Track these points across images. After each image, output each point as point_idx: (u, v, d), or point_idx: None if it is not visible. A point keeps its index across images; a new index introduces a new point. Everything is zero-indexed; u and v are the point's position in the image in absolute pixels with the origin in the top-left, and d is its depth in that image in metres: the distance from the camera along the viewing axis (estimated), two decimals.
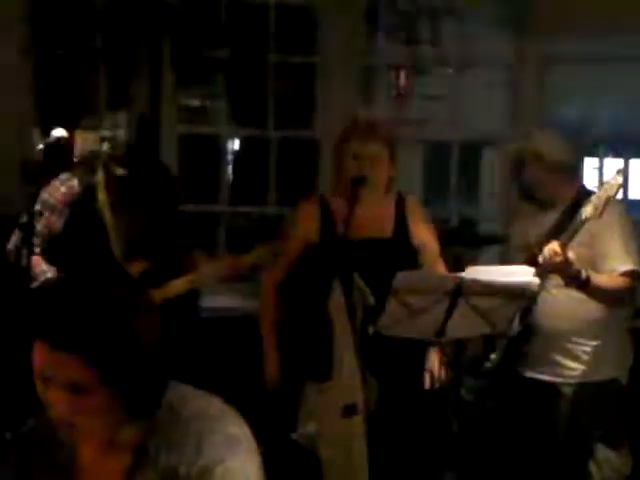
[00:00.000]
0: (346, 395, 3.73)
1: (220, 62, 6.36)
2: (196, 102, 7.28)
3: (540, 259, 3.78)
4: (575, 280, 3.85)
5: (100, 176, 4.30)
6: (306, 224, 3.91)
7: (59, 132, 4.25)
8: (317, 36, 6.49)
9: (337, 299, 3.78)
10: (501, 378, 4.14)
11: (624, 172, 3.86)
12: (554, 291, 4.00)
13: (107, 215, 4.29)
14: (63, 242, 4.27)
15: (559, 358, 4.06)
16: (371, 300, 3.61)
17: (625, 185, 6.48)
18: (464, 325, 3.55)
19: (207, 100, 6.88)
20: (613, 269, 3.95)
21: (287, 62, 6.62)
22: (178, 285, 4.18)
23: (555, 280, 3.95)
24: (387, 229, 3.92)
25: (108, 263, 4.17)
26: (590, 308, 4.02)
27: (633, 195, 7.41)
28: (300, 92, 6.75)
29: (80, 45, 5.53)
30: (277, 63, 6.52)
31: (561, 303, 4.02)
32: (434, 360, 3.85)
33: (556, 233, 3.93)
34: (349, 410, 3.69)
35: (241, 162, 6.47)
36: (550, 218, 4.10)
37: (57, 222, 4.31)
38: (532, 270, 3.66)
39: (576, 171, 4.32)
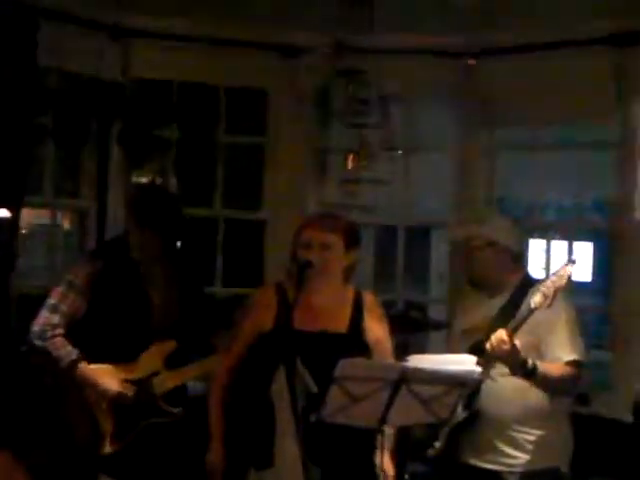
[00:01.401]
0: None
1: (169, 141, 6.38)
2: (145, 180, 7.26)
3: (487, 347, 3.78)
4: (521, 369, 3.85)
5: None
6: (263, 311, 3.89)
7: (1, 212, 4.23)
8: (267, 118, 6.54)
9: (280, 386, 3.74)
10: (445, 465, 4.11)
11: (575, 262, 3.88)
12: (499, 379, 4.00)
13: (150, 283, 4.40)
14: (89, 324, 4.33)
15: (503, 446, 4.05)
16: (314, 387, 3.58)
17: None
18: (406, 413, 3.52)
19: (157, 177, 6.87)
20: (558, 358, 3.97)
21: (236, 143, 6.66)
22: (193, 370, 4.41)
23: (500, 368, 3.95)
24: (342, 324, 3.91)
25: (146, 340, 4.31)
26: (534, 396, 4.02)
27: (577, 278, 7.49)
28: (249, 173, 6.78)
29: (28, 122, 5.51)
30: (227, 144, 6.56)
31: (506, 391, 4.02)
32: (382, 456, 3.82)
33: (502, 320, 3.94)
34: None
35: (188, 241, 6.44)
36: (494, 304, 4.11)
37: (82, 304, 4.36)
38: (474, 359, 3.66)
39: (522, 257, 4.35)
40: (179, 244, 6.08)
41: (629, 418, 5.06)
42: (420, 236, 7.04)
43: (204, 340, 4.50)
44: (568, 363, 3.97)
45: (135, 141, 6.10)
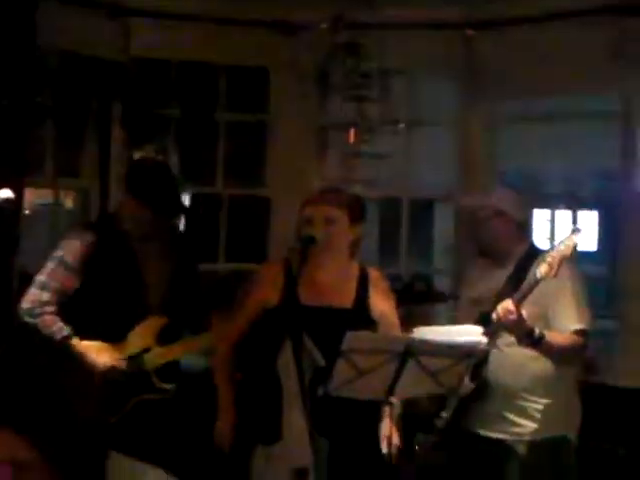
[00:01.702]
0: (295, 458, 3.68)
1: (171, 120, 6.37)
2: (151, 157, 7.25)
3: (494, 316, 3.78)
4: (528, 338, 3.85)
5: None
6: (268, 287, 3.88)
7: (5, 193, 4.21)
8: (268, 95, 6.53)
9: (286, 360, 3.75)
10: (453, 435, 4.12)
11: (580, 231, 3.88)
12: (506, 349, 4.00)
13: (145, 262, 4.34)
14: (80, 300, 4.27)
15: (511, 416, 4.05)
16: (321, 361, 3.58)
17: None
18: (413, 385, 3.52)
19: (159, 157, 6.87)
20: (565, 328, 3.97)
21: (238, 121, 6.65)
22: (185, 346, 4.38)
23: (507, 338, 3.96)
24: (347, 299, 3.90)
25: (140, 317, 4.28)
26: (541, 366, 4.03)
27: (582, 247, 7.48)
28: (251, 150, 6.78)
29: (28, 101, 5.51)
30: (228, 122, 6.55)
31: (513, 361, 4.02)
32: (389, 426, 3.82)
33: (509, 290, 3.94)
34: (299, 474, 3.64)
35: (192, 220, 6.45)
36: (502, 274, 4.11)
37: (72, 280, 4.28)
38: (481, 329, 3.66)
39: (528, 228, 4.35)
40: (182, 222, 6.11)
41: (637, 386, 5.06)
42: (423, 209, 7.03)
43: (197, 318, 4.47)
44: (575, 332, 3.96)
45: (136, 120, 6.09)
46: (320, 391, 3.48)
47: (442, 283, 6.60)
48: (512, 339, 3.94)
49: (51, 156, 6.05)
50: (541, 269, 3.77)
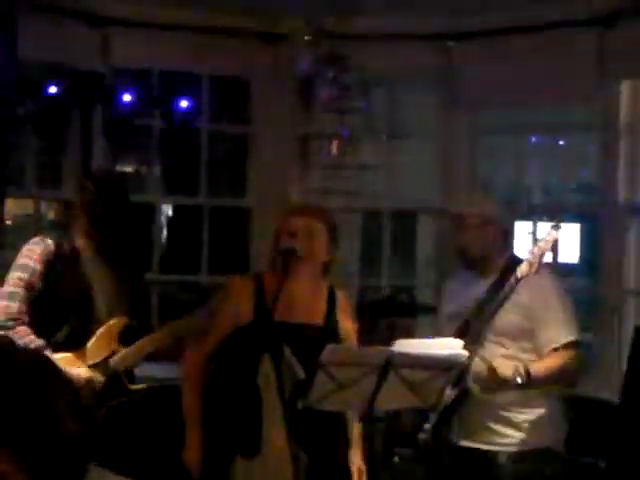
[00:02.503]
0: (275, 471, 3.67)
1: (152, 131, 6.36)
2: (130, 169, 7.27)
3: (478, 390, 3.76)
4: (517, 387, 3.83)
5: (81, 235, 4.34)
6: (239, 302, 3.86)
7: None
8: (250, 105, 6.53)
9: (266, 373, 3.73)
10: (436, 447, 4.10)
11: (559, 227, 3.89)
12: (490, 360, 3.99)
13: (92, 271, 4.33)
14: (44, 304, 4.25)
15: (494, 427, 4.03)
16: (301, 374, 3.57)
17: (555, 249, 6.58)
18: (393, 398, 3.51)
19: (142, 167, 6.87)
20: (554, 340, 3.95)
21: (220, 131, 6.64)
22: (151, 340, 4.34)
23: (490, 349, 3.95)
24: (318, 316, 3.90)
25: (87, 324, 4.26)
26: None
27: (563, 259, 7.50)
28: (233, 161, 6.78)
29: (8, 110, 5.49)
30: (210, 132, 6.54)
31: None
32: (357, 456, 3.85)
33: (488, 302, 3.95)
34: None
35: (174, 230, 6.44)
36: (483, 285, 4.10)
37: (38, 283, 4.26)
38: (461, 342, 3.65)
39: (510, 237, 4.35)
40: (164, 233, 6.09)
41: (616, 399, 5.06)
42: (406, 221, 7.02)
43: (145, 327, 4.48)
44: (566, 346, 3.95)
45: (117, 131, 6.07)
46: (300, 404, 3.47)
47: (425, 295, 6.59)
48: (496, 349, 3.95)
49: (32, 167, 6.03)
50: (522, 268, 3.79)
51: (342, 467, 3.84)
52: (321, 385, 3.39)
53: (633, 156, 5.79)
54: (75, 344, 4.28)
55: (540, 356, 3.98)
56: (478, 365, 3.82)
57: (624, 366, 5.06)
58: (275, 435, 3.66)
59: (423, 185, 6.70)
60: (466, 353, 3.63)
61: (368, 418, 3.63)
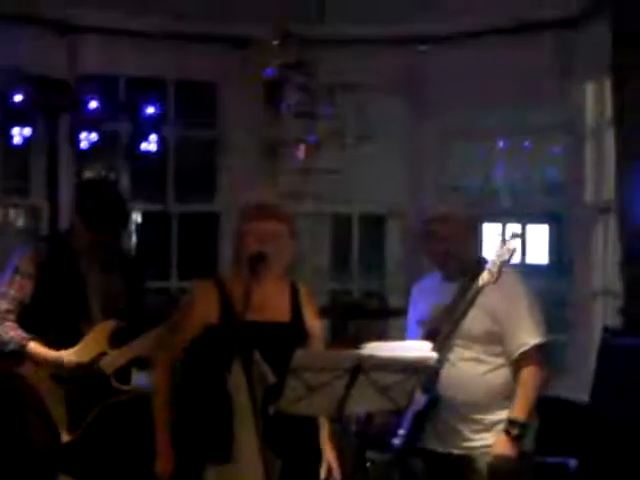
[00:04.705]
0: (248, 477, 3.66)
1: (119, 137, 6.35)
2: (98, 176, 7.20)
3: None
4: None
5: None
6: (204, 306, 3.85)
7: None
8: (217, 110, 6.53)
9: (237, 378, 3.72)
10: (406, 453, 4.11)
11: (519, 236, 3.94)
12: (459, 363, 4.03)
13: (87, 272, 4.42)
14: (37, 306, 4.34)
15: (467, 430, 4.05)
16: (271, 378, 3.57)
17: (523, 250, 6.65)
18: (364, 401, 3.51)
19: (109, 174, 6.84)
20: (524, 344, 3.99)
21: (187, 136, 6.64)
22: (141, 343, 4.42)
23: (460, 352, 3.99)
24: (284, 313, 3.90)
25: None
26: (495, 380, 4.05)
27: (532, 260, 7.56)
28: (201, 166, 6.77)
29: None
30: (177, 138, 6.53)
31: (466, 375, 4.03)
32: (329, 452, 3.85)
33: (455, 306, 3.98)
34: None
35: (143, 237, 6.42)
36: (451, 288, 4.12)
37: (29, 286, 4.34)
38: (430, 345, 3.67)
39: (478, 238, 4.39)
40: (133, 240, 6.09)
41: (586, 399, 5.09)
42: (375, 225, 7.04)
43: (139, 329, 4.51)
44: (534, 349, 3.99)
45: (84, 138, 6.06)
46: (271, 410, 3.47)
47: (395, 299, 6.61)
48: (466, 353, 3.99)
49: None
50: (483, 276, 3.86)
51: (315, 472, 3.83)
52: (292, 390, 3.39)
53: (599, 156, 5.83)
54: (66, 344, 4.33)
55: (509, 359, 4.03)
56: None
57: (593, 366, 5.09)
58: (247, 440, 3.64)
59: (391, 189, 6.72)
60: (435, 355, 3.65)
61: (339, 421, 3.64)
